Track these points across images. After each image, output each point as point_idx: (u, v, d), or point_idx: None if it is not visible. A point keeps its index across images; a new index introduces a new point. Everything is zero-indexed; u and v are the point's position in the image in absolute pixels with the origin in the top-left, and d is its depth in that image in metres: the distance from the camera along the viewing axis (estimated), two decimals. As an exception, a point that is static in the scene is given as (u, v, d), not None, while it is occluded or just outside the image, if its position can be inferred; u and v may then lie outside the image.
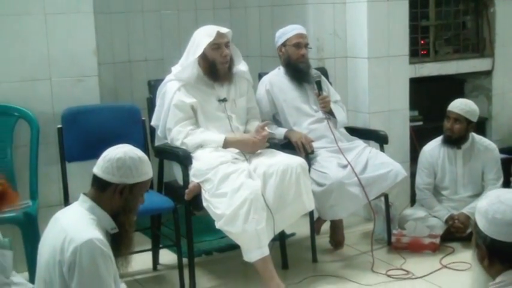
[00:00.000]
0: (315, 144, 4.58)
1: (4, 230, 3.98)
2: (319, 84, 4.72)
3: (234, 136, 4.34)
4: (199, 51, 4.27)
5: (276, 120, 4.82)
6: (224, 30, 4.32)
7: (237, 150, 4.27)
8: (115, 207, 2.90)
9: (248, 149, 4.28)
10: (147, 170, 2.94)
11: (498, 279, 2.18)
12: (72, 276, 2.71)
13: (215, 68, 4.35)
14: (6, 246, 3.04)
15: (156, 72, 5.12)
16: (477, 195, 4.82)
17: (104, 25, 5.25)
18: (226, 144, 4.25)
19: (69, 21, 4.52)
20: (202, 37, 4.28)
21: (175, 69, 4.42)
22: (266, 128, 4.37)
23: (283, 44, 4.77)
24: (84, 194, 2.92)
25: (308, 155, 4.48)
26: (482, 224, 2.22)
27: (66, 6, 4.50)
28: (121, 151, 2.90)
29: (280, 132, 4.68)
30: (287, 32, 4.76)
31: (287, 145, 4.57)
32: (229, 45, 4.38)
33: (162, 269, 4.57)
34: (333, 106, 4.74)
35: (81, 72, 4.58)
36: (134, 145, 3.06)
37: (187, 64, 4.34)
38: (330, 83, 4.99)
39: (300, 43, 4.72)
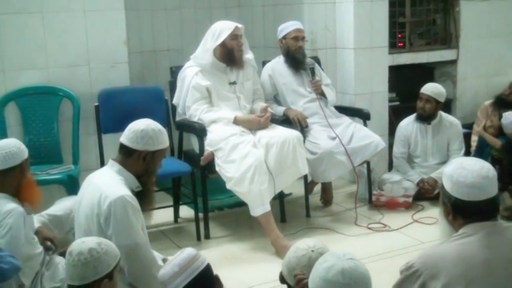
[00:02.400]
0: (308, 120, 4.56)
1: (52, 189, 4.05)
2: (312, 71, 4.71)
3: (243, 116, 4.32)
4: (221, 40, 4.26)
5: (277, 100, 4.79)
6: (240, 25, 4.32)
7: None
8: (139, 170, 2.95)
9: (254, 127, 4.26)
10: (165, 140, 2.99)
11: (460, 231, 2.18)
12: (108, 225, 2.77)
13: (232, 55, 4.33)
14: None
15: (176, 59, 5.09)
16: (443, 162, 4.80)
17: (133, 20, 5.24)
18: (236, 122, 4.24)
19: (104, 17, 4.51)
20: (224, 29, 4.27)
21: (195, 55, 4.40)
22: (269, 109, 4.36)
23: (284, 37, 4.72)
24: (113, 159, 2.95)
25: (303, 129, 4.45)
26: (448, 185, 2.22)
27: (102, 4, 4.49)
28: (144, 124, 2.94)
29: (280, 110, 4.66)
30: (287, 27, 4.72)
31: (285, 120, 4.55)
32: (242, 37, 4.37)
33: (182, 221, 4.56)
34: (324, 88, 4.72)
35: (114, 59, 4.58)
36: (158, 120, 3.09)
37: (206, 49, 4.33)
38: (322, 69, 4.96)
39: (298, 36, 4.68)
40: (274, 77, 4.76)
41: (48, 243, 3.24)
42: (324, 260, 1.96)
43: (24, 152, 3.09)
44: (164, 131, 3.00)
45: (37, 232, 3.21)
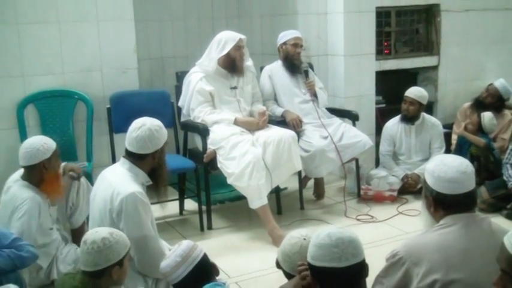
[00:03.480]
0: (302, 119, 4.56)
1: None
2: (306, 73, 4.70)
3: (243, 117, 4.31)
4: (226, 51, 4.25)
5: (276, 99, 4.77)
6: (243, 36, 4.32)
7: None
8: (152, 166, 2.93)
9: (253, 128, 4.26)
10: (165, 132, 2.97)
11: (441, 222, 2.18)
12: (119, 219, 2.76)
13: (235, 63, 4.33)
14: None
15: (182, 66, 5.08)
16: (426, 159, 4.78)
17: (142, 30, 5.23)
18: (236, 123, 4.23)
19: (115, 27, 4.51)
20: (229, 40, 4.26)
21: (200, 62, 4.38)
22: (267, 112, 4.36)
23: (284, 43, 4.73)
24: (124, 157, 2.93)
25: (298, 128, 4.46)
26: (429, 180, 2.23)
27: (113, 15, 4.49)
28: (145, 128, 2.87)
29: (279, 111, 4.65)
30: (288, 34, 4.74)
31: (282, 121, 4.55)
32: (244, 47, 4.38)
33: (187, 214, 4.56)
34: (317, 91, 4.72)
35: (124, 66, 4.58)
36: (165, 121, 3.11)
37: (211, 57, 4.31)
38: (315, 74, 4.94)
39: (297, 43, 4.70)
40: (272, 78, 4.76)
41: (71, 173, 3.36)
42: (319, 230, 2.02)
43: (47, 151, 3.11)
44: (161, 124, 2.96)
45: (64, 166, 3.35)
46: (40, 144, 3.10)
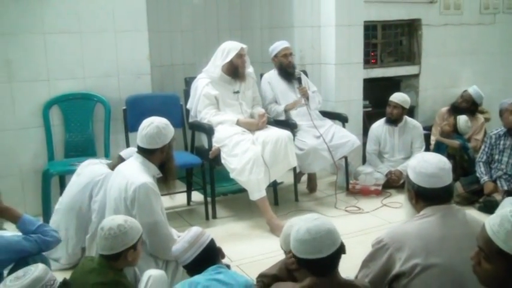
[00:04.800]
0: (297, 121, 4.54)
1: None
2: (299, 80, 4.66)
3: (244, 119, 4.30)
4: (229, 59, 4.23)
5: (276, 102, 4.74)
6: (244, 46, 4.30)
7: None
8: (161, 160, 2.93)
9: (253, 128, 4.23)
10: (172, 129, 2.97)
11: (421, 213, 2.19)
12: (133, 207, 2.77)
13: (237, 70, 4.31)
14: None
15: (190, 72, 5.05)
16: (407, 157, 4.76)
17: (155, 40, 5.17)
18: (238, 124, 4.22)
19: (131, 37, 4.48)
20: (231, 49, 4.24)
21: (206, 69, 4.37)
22: (265, 114, 4.35)
23: (275, 56, 4.71)
24: (137, 152, 2.93)
25: (293, 129, 4.44)
26: (412, 175, 2.23)
27: (129, 26, 4.46)
28: (153, 126, 2.88)
29: (280, 108, 4.63)
30: (277, 47, 4.71)
31: (278, 123, 4.51)
32: (245, 55, 4.36)
33: (194, 204, 4.55)
34: (310, 95, 4.70)
35: (139, 72, 4.55)
36: (174, 121, 3.11)
37: (216, 65, 4.29)
38: (308, 79, 4.92)
39: (286, 54, 4.67)
40: (271, 84, 4.74)
41: None
42: (296, 224, 2.02)
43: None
44: (168, 122, 2.96)
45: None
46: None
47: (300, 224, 2.00)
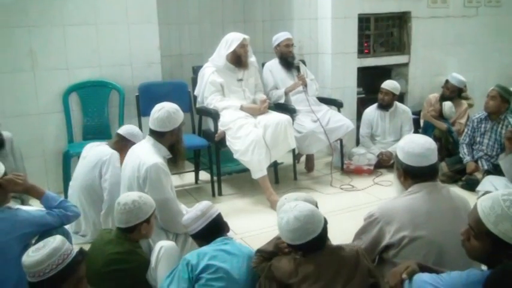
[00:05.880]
0: (296, 106, 4.52)
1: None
2: (298, 68, 4.64)
3: (247, 104, 4.28)
4: (232, 48, 4.20)
5: (276, 88, 4.72)
6: (246, 36, 4.27)
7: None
8: (171, 142, 2.93)
9: (256, 113, 4.21)
10: (182, 114, 2.96)
11: (409, 189, 2.19)
12: (145, 185, 2.76)
13: (240, 59, 4.27)
14: None
15: (197, 61, 5.02)
16: (397, 140, 4.71)
17: (165, 31, 5.17)
18: (242, 109, 4.20)
19: (142, 28, 4.45)
20: (234, 40, 4.21)
21: (212, 58, 4.35)
22: (267, 100, 4.32)
23: (278, 45, 4.68)
24: (149, 135, 2.93)
25: (292, 114, 4.42)
26: (400, 155, 2.23)
27: (141, 19, 4.43)
28: (164, 110, 2.87)
29: (281, 91, 4.60)
30: (280, 37, 4.68)
31: (279, 107, 4.50)
32: (248, 46, 4.33)
33: (201, 183, 4.55)
34: (308, 82, 4.67)
35: (150, 61, 4.52)
36: (182, 106, 3.08)
37: (220, 54, 4.27)
38: (306, 68, 4.89)
39: (288, 44, 4.65)
40: (272, 73, 4.71)
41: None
42: (281, 217, 2.02)
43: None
44: (178, 107, 2.95)
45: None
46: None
47: (285, 217, 1.99)
